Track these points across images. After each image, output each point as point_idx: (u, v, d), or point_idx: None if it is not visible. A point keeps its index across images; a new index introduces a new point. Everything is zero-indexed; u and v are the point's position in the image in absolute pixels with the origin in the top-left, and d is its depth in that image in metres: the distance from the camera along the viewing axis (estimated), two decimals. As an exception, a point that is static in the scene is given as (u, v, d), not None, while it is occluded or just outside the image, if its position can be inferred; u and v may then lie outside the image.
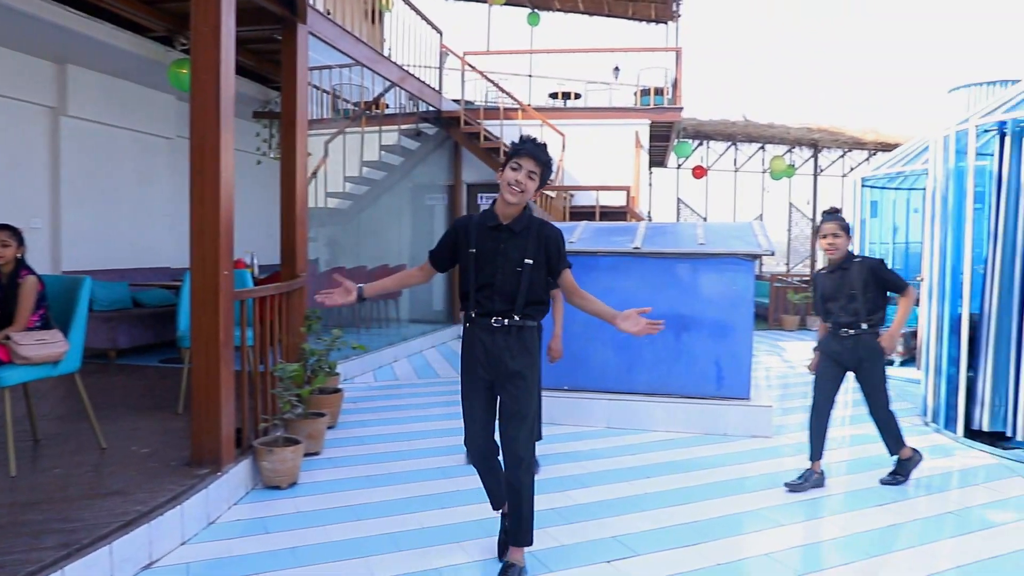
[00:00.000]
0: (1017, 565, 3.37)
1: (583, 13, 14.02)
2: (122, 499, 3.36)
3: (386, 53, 10.18)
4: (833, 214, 4.41)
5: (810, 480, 4.40)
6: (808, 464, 4.48)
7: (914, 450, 4.57)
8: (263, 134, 9.16)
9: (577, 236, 5.99)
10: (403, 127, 9.81)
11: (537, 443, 4.07)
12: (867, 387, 4.43)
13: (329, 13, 8.72)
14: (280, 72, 6.19)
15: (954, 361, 5.60)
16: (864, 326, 4.30)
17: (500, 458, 3.21)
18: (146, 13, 6.43)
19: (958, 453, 5.25)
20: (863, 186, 9.26)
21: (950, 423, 5.62)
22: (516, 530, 3.15)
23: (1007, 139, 5.21)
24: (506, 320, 2.99)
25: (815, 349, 4.60)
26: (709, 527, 3.76)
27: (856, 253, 4.50)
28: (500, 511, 3.40)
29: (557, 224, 6.63)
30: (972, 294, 5.55)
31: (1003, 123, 5.23)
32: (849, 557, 3.44)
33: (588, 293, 3.13)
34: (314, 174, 8.63)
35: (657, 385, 5.71)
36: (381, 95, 9.25)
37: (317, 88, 9.01)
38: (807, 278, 13.18)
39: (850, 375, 4.46)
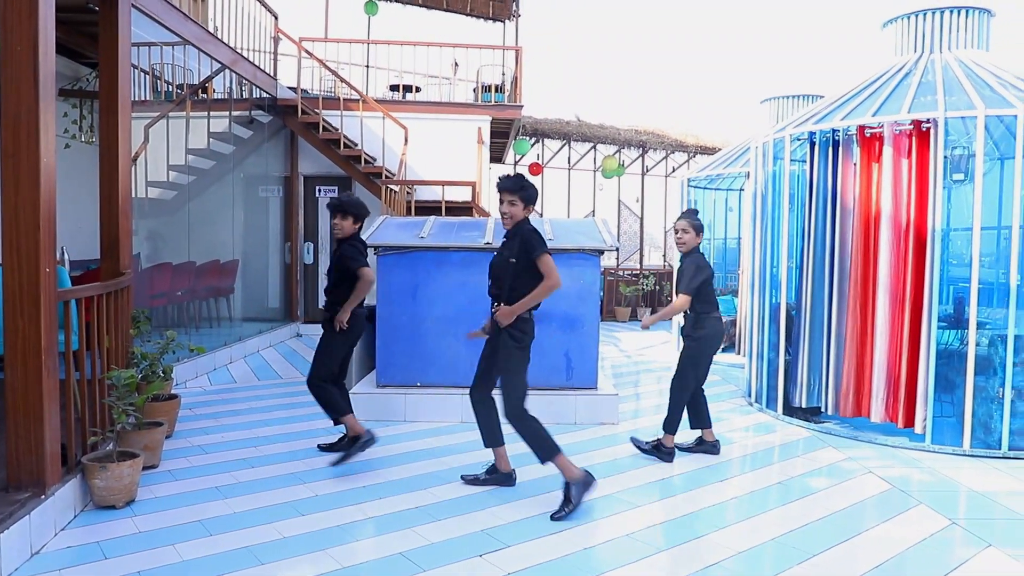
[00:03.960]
0: (832, 525, 3.80)
1: (421, 6, 13.91)
2: (-76, 534, 2.90)
3: (215, 33, 9.52)
4: (688, 213, 4.93)
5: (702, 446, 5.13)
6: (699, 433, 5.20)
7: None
8: (72, 115, 8.25)
9: (427, 231, 5.94)
10: (234, 114, 9.22)
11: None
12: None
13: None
14: (95, 47, 5.62)
15: (773, 346, 6.18)
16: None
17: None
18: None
19: (779, 429, 5.81)
20: (688, 186, 9.96)
21: (771, 402, 6.20)
22: (534, 452, 3.97)
23: (816, 148, 5.81)
24: (498, 304, 4.00)
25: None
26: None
27: (699, 250, 4.95)
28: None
29: (400, 219, 6.55)
30: (788, 286, 6.14)
31: (813, 133, 5.83)
32: (699, 531, 3.70)
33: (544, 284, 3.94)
34: (133, 161, 7.92)
35: (510, 378, 5.80)
36: (210, 78, 8.64)
37: (135, 67, 8.26)
38: (637, 272, 13.97)
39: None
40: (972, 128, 5.26)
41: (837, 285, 5.71)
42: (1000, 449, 5.07)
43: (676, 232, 4.90)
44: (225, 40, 8.95)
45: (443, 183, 8.59)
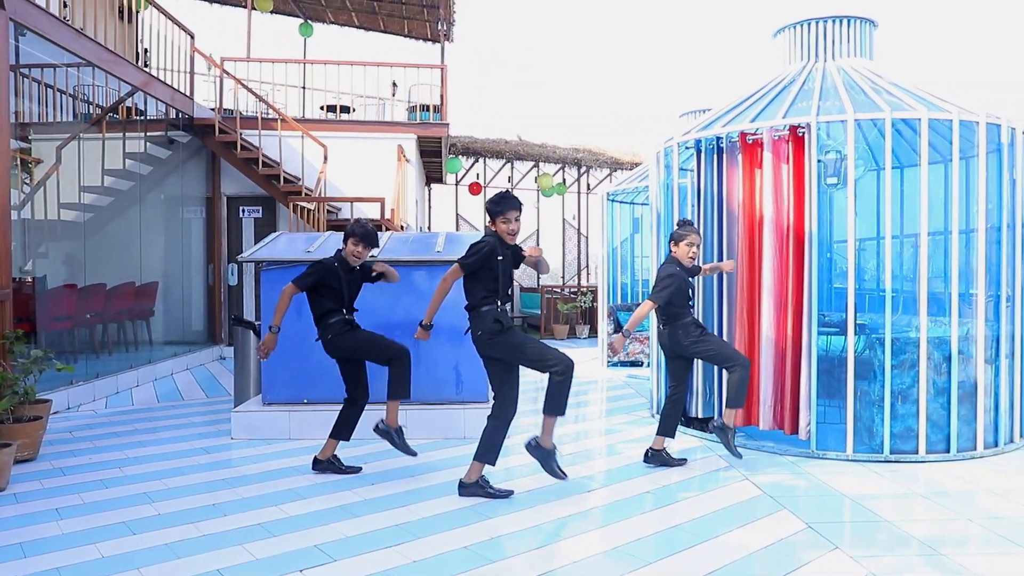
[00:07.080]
0: (683, 532, 3.72)
1: (358, 28, 13.95)
2: None
3: (141, 53, 9.45)
4: (693, 225, 5.06)
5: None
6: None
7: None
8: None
9: (316, 246, 5.85)
10: (150, 134, 9.11)
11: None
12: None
13: (65, 5, 7.93)
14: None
15: (669, 356, 6.12)
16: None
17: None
18: None
19: (676, 438, 5.73)
20: (609, 201, 9.97)
21: (669, 413, 6.12)
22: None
23: (702, 155, 5.83)
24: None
25: (623, 334, 4.83)
26: (417, 527, 3.77)
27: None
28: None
29: (293, 234, 6.42)
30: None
31: (698, 141, 5.85)
32: (540, 542, 3.61)
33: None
34: (41, 183, 7.78)
35: (397, 393, 5.69)
36: (122, 100, 8.53)
37: (51, 87, 8.15)
38: (575, 290, 13.95)
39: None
40: (846, 132, 5.28)
41: (725, 292, 5.69)
42: (882, 453, 5.04)
43: (692, 245, 4.89)
44: (146, 60, 8.88)
45: (351, 199, 8.52)
